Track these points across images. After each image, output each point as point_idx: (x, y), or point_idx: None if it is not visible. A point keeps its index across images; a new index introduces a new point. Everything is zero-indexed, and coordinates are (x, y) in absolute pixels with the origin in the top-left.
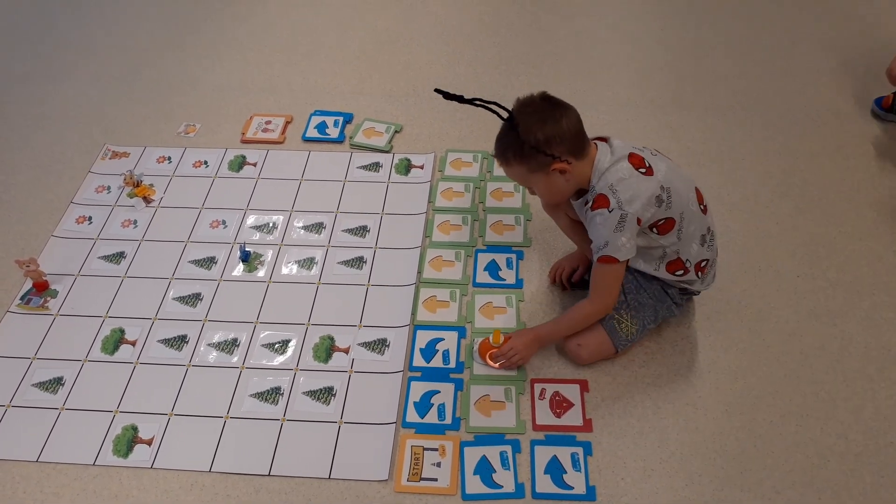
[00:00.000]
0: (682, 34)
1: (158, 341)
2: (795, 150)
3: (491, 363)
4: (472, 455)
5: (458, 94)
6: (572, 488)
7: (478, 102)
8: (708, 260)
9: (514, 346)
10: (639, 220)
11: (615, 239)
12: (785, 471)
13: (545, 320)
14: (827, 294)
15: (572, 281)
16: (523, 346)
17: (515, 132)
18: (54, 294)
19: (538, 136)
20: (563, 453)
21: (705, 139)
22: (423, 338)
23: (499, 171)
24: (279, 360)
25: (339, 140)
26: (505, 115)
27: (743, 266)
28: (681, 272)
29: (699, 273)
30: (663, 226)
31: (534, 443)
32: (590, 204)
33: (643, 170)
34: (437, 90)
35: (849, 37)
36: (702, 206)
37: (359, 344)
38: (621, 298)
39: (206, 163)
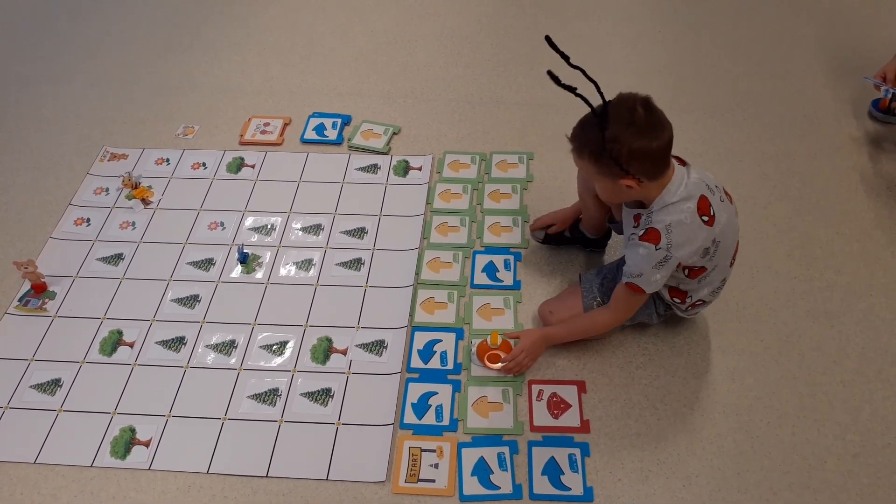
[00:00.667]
0: (681, 37)
1: (156, 343)
2: (793, 151)
3: (489, 365)
4: (470, 456)
5: (570, 85)
6: (570, 489)
7: (578, 93)
8: (705, 302)
9: (523, 348)
10: (679, 264)
11: (651, 274)
12: (782, 472)
13: (543, 323)
14: (824, 295)
15: (548, 234)
16: (531, 344)
17: (602, 133)
18: (52, 296)
19: (622, 148)
20: (561, 454)
21: (703, 141)
22: (421, 339)
23: (497, 172)
24: (277, 361)
25: (338, 142)
26: (598, 109)
27: (741, 267)
28: (678, 300)
29: (690, 308)
30: (696, 272)
31: (531, 444)
32: (640, 232)
33: (706, 218)
34: (549, 73)
35: (846, 38)
36: (732, 260)
37: (357, 345)
38: (605, 281)
39: (204, 164)
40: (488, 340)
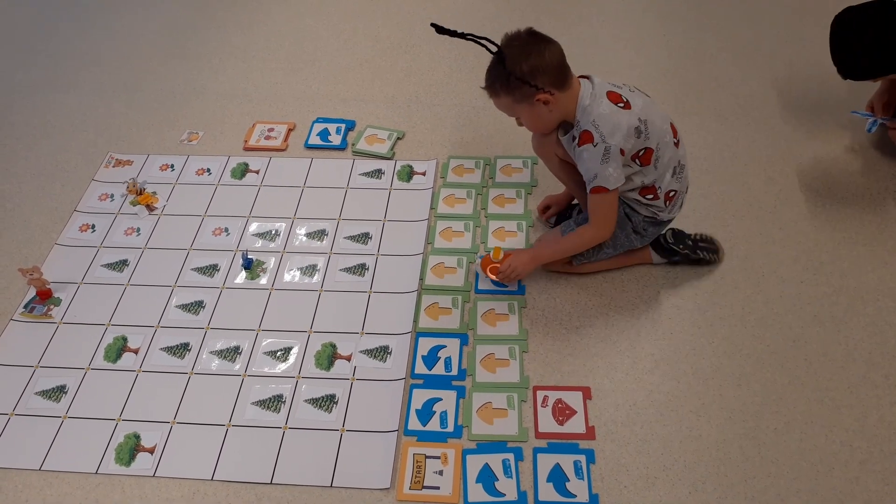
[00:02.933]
0: (685, 40)
1: (161, 349)
2: (799, 155)
3: (491, 276)
4: (475, 463)
5: (452, 28)
6: (575, 496)
7: (469, 37)
8: (676, 191)
9: (512, 264)
10: (622, 151)
11: (602, 170)
12: (789, 479)
13: (548, 327)
14: (831, 300)
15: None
16: (521, 264)
17: (503, 65)
18: (57, 302)
19: (523, 67)
20: (566, 461)
21: (708, 145)
22: (426, 345)
23: (501, 177)
24: (281, 367)
25: (342, 147)
26: (493, 48)
27: (746, 272)
28: (650, 196)
29: (667, 202)
30: (644, 156)
31: (536, 450)
32: (576, 140)
33: (621, 104)
34: (432, 24)
35: None
36: (675, 140)
37: (361, 351)
38: (583, 216)
39: (208, 170)
40: (491, 254)
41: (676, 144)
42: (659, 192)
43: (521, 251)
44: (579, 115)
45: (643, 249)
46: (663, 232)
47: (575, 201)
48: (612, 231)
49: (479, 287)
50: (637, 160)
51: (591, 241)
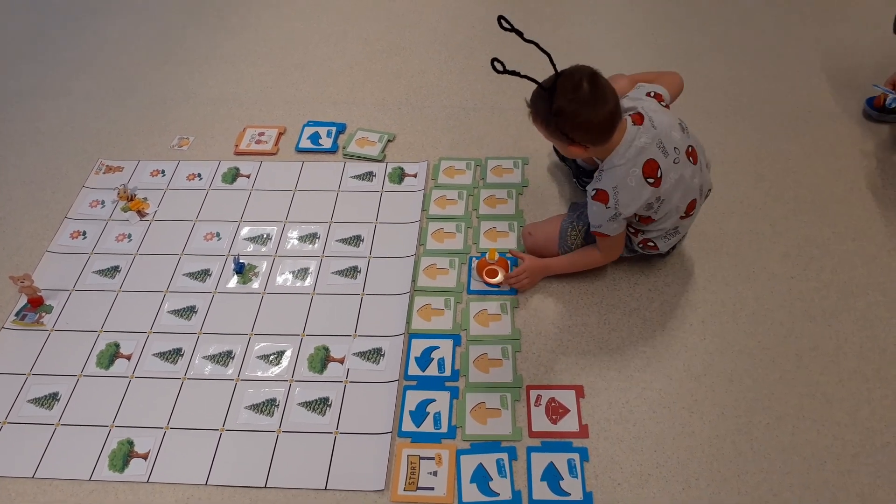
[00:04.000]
0: (673, 39)
1: (153, 355)
2: (788, 151)
3: (487, 279)
4: (469, 463)
5: (513, 70)
6: (569, 495)
7: (526, 77)
8: (655, 245)
9: (526, 270)
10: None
11: (608, 225)
12: (782, 473)
13: (540, 327)
14: (821, 295)
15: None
16: (533, 271)
17: (549, 105)
18: (49, 309)
19: (567, 122)
20: (560, 460)
21: (700, 140)
22: (418, 346)
23: (492, 178)
24: (274, 371)
25: (333, 150)
26: (548, 85)
27: (737, 268)
28: (631, 230)
29: (640, 244)
30: (645, 219)
31: (530, 450)
32: (592, 192)
33: (652, 180)
34: (493, 62)
35: (840, 38)
36: (684, 214)
37: (354, 354)
38: (577, 212)
39: (199, 175)
40: (486, 257)
41: (684, 217)
42: (640, 235)
43: (535, 261)
44: (605, 167)
45: None
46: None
47: None
48: (618, 255)
49: (472, 288)
50: (637, 217)
51: (596, 264)
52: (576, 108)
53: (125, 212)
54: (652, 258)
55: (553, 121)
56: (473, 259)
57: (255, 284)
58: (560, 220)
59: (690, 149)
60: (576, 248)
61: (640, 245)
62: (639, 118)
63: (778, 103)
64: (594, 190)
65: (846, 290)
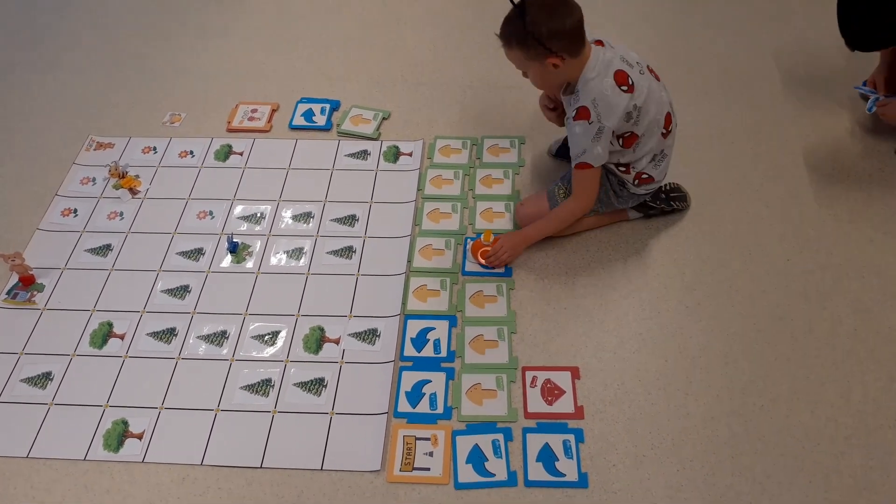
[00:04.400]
0: (671, 16)
1: (147, 334)
2: (786, 132)
3: (481, 260)
4: (465, 444)
5: None
6: (564, 475)
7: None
8: (651, 176)
9: (503, 245)
10: (612, 132)
11: (592, 148)
12: (776, 455)
13: (536, 308)
14: (816, 276)
15: (560, 148)
16: (511, 245)
17: (522, 20)
18: (41, 288)
19: (542, 29)
20: (555, 441)
21: (696, 122)
22: (414, 327)
23: (488, 157)
24: (269, 351)
25: (327, 128)
26: (517, 1)
27: (733, 249)
28: (623, 169)
29: (636, 181)
30: (627, 139)
31: (525, 431)
32: (573, 113)
33: (625, 87)
34: None
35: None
36: (664, 130)
37: (349, 334)
38: (563, 175)
39: (191, 153)
40: (481, 238)
41: (665, 136)
42: (632, 170)
43: (510, 234)
44: (580, 86)
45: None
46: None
47: None
48: (593, 203)
49: (467, 269)
50: (619, 140)
51: (575, 213)
52: (548, 15)
53: (117, 189)
54: (641, 248)
55: (528, 35)
56: (469, 241)
57: (249, 264)
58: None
59: (649, 67)
60: None
61: (636, 182)
62: (599, 43)
63: (776, 83)
64: (574, 110)
65: (841, 272)
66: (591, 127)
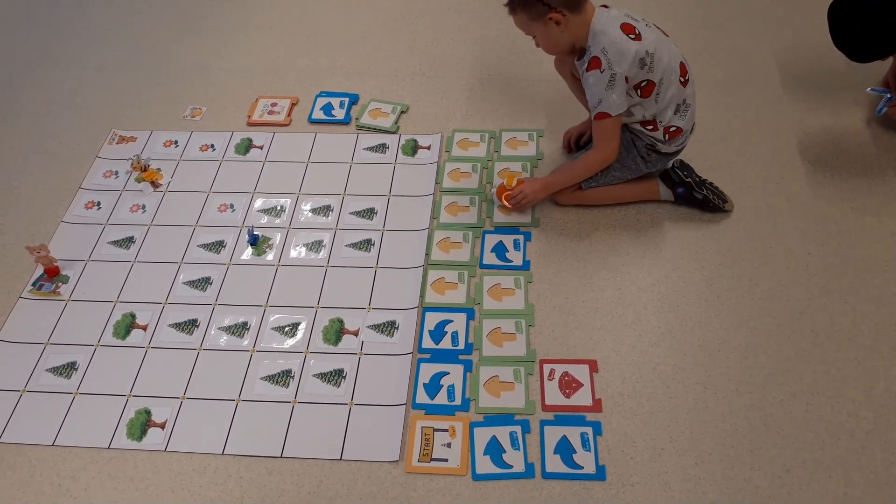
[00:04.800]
0: (690, 8)
1: (169, 325)
2: (807, 126)
3: (506, 203)
4: (482, 436)
5: None
6: (582, 468)
7: None
8: (679, 128)
9: (523, 189)
10: (627, 79)
11: (607, 97)
12: (795, 449)
13: (554, 301)
14: (839, 271)
15: (580, 144)
16: (531, 191)
17: None
18: (65, 280)
19: None
20: (573, 433)
21: (716, 116)
22: (432, 320)
23: (506, 150)
24: (289, 343)
25: (346, 121)
26: None
27: (754, 243)
28: (650, 128)
29: (666, 135)
30: (645, 88)
31: (543, 423)
32: (585, 65)
33: (632, 36)
34: None
35: None
36: (682, 79)
37: (368, 326)
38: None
39: (212, 146)
40: (505, 182)
41: (684, 84)
42: (659, 125)
43: (532, 179)
44: (590, 41)
45: (650, 182)
46: (670, 164)
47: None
48: (615, 155)
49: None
50: (638, 90)
51: (595, 165)
52: None
53: (139, 182)
54: (661, 239)
55: None
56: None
57: (270, 256)
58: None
59: (656, 25)
60: (597, 176)
61: (666, 137)
62: (604, 6)
63: (797, 76)
64: (586, 62)
65: (864, 266)
66: (603, 75)
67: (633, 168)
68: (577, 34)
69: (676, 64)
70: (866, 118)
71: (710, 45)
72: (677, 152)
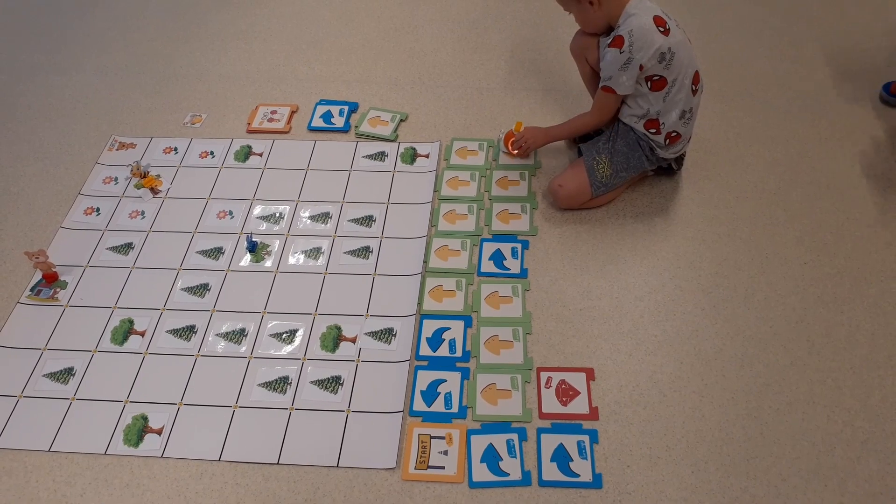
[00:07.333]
0: (690, 18)
1: (167, 331)
2: (804, 136)
3: (511, 150)
4: (479, 443)
5: None
6: (579, 476)
7: None
8: (680, 134)
9: (524, 134)
10: (641, 67)
11: (618, 76)
12: (791, 458)
13: (551, 309)
14: (834, 281)
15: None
16: (532, 135)
17: None
18: (64, 285)
19: None
20: (570, 441)
21: (713, 125)
22: (430, 327)
23: (504, 159)
24: (287, 349)
25: (345, 129)
26: None
27: (750, 253)
28: (654, 131)
29: (667, 140)
30: (657, 82)
31: (540, 431)
32: (609, 40)
33: (662, 29)
34: None
35: (857, 21)
36: (694, 87)
37: (366, 333)
38: (602, 142)
39: (212, 153)
40: (513, 129)
41: (694, 92)
42: (662, 127)
43: (533, 129)
44: (621, 20)
45: None
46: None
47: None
48: (607, 121)
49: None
50: (648, 83)
51: (588, 126)
52: None
53: (138, 189)
54: (658, 248)
55: None
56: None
57: (268, 263)
58: (582, 164)
59: (680, 25)
60: (605, 178)
61: (667, 142)
62: None
63: (794, 87)
64: (611, 38)
65: (860, 276)
66: (621, 56)
67: (638, 167)
68: (612, 14)
69: (692, 71)
70: (862, 129)
71: (707, 55)
72: (674, 158)
